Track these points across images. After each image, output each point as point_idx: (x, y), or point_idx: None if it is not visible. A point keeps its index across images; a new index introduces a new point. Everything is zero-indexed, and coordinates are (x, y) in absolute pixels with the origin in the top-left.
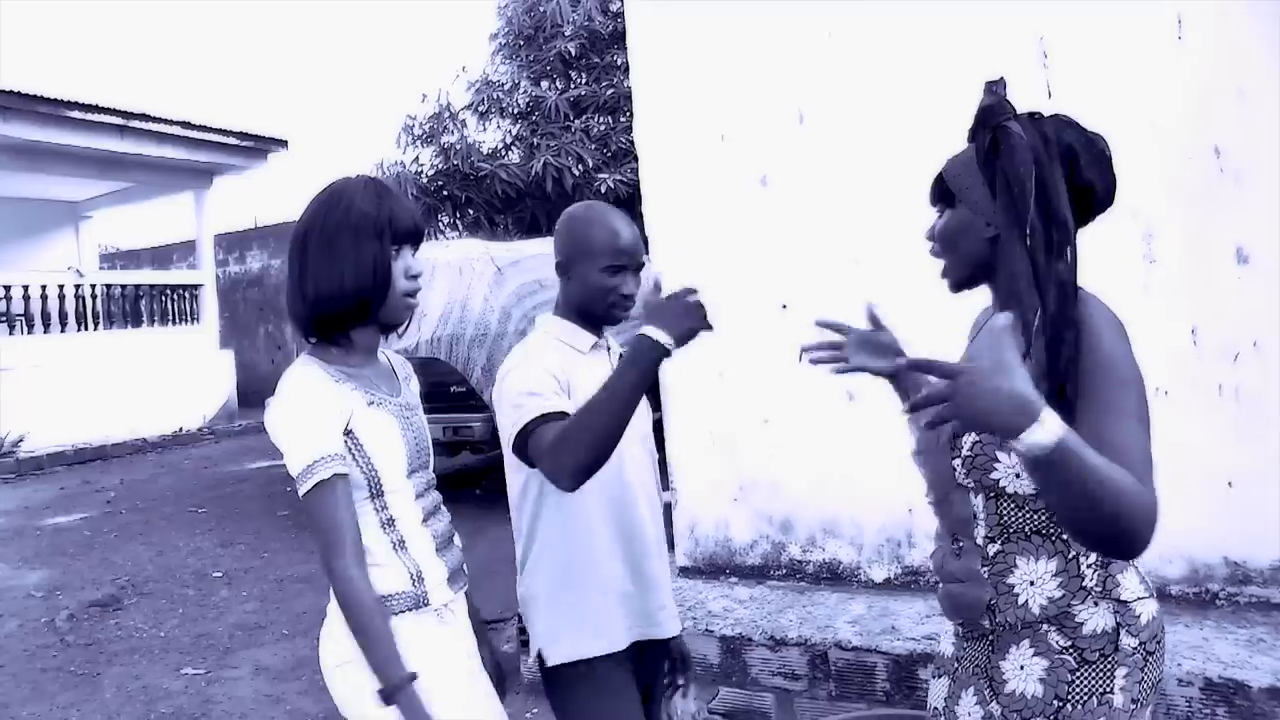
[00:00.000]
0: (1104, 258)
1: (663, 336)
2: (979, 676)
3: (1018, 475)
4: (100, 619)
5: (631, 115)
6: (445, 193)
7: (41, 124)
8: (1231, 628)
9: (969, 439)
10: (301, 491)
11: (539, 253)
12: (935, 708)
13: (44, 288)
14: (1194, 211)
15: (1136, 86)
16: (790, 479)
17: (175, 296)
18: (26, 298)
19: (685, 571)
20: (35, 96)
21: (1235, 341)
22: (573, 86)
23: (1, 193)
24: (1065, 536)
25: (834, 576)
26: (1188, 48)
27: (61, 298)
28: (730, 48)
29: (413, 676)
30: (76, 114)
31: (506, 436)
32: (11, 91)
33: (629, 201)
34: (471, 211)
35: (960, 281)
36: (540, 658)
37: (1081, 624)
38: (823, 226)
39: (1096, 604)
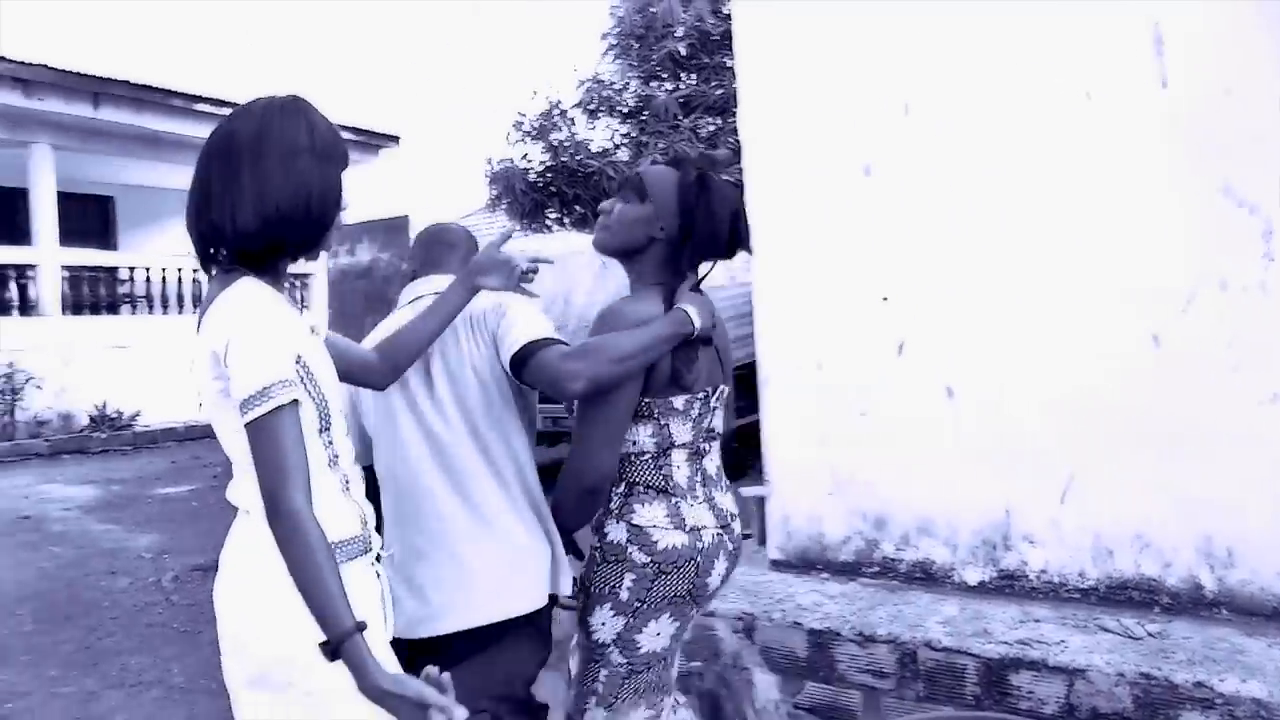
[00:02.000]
0: (1220, 256)
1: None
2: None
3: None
4: (202, 582)
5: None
6: (553, 189)
7: (172, 116)
8: None
9: None
10: (251, 417)
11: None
12: None
13: (164, 270)
14: None
15: (1254, 75)
16: (886, 474)
17: (288, 284)
18: (148, 280)
19: (776, 565)
20: (170, 91)
21: None
22: (682, 86)
23: (130, 181)
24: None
25: (927, 576)
26: None
27: (180, 281)
28: (835, 38)
29: (362, 626)
30: (204, 107)
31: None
32: (147, 85)
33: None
34: (579, 208)
35: (610, 251)
36: None
37: (606, 534)
38: (926, 217)
39: (616, 522)
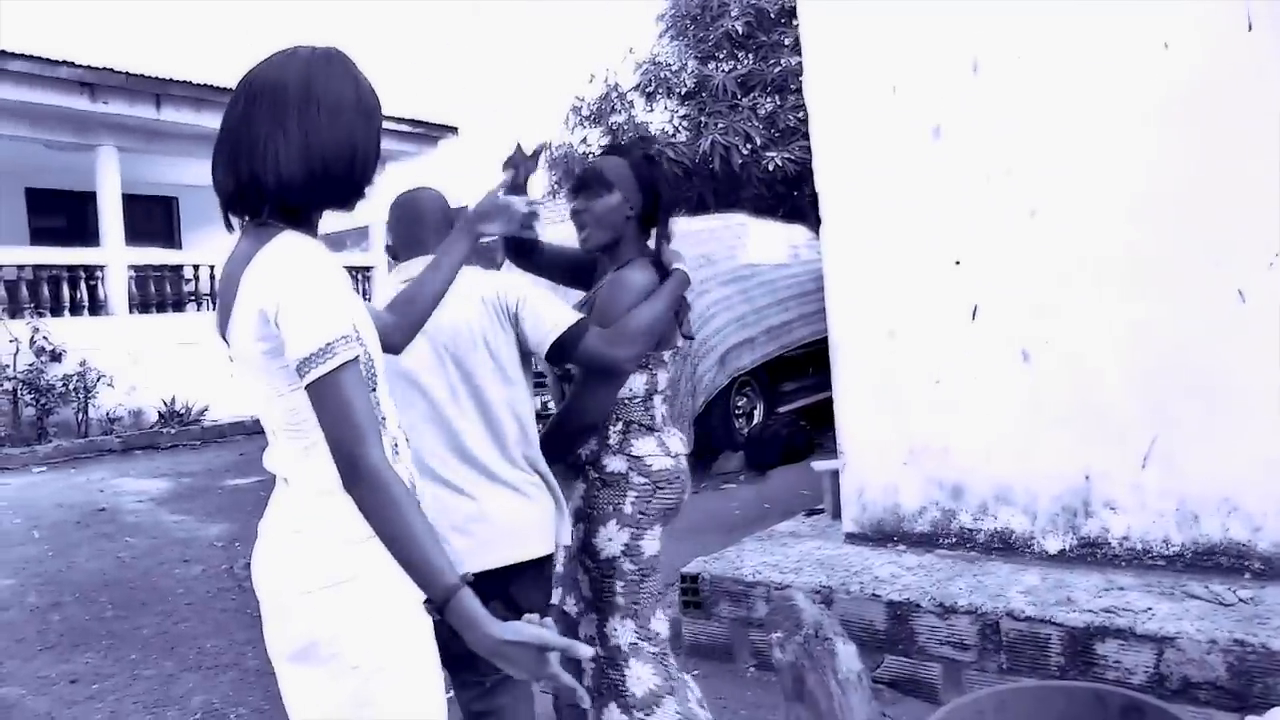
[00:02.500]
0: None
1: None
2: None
3: None
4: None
5: (799, 93)
6: None
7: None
8: None
9: None
10: (315, 375)
11: (704, 229)
12: None
13: None
14: None
15: None
16: (962, 443)
17: (350, 278)
18: (212, 277)
19: (851, 538)
20: (229, 90)
21: None
22: (739, 65)
23: (192, 181)
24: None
25: (1005, 546)
26: None
27: None
28: None
29: (466, 579)
30: None
31: None
32: (208, 85)
33: (797, 180)
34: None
35: (603, 245)
36: None
37: (606, 465)
38: (997, 179)
39: (615, 454)
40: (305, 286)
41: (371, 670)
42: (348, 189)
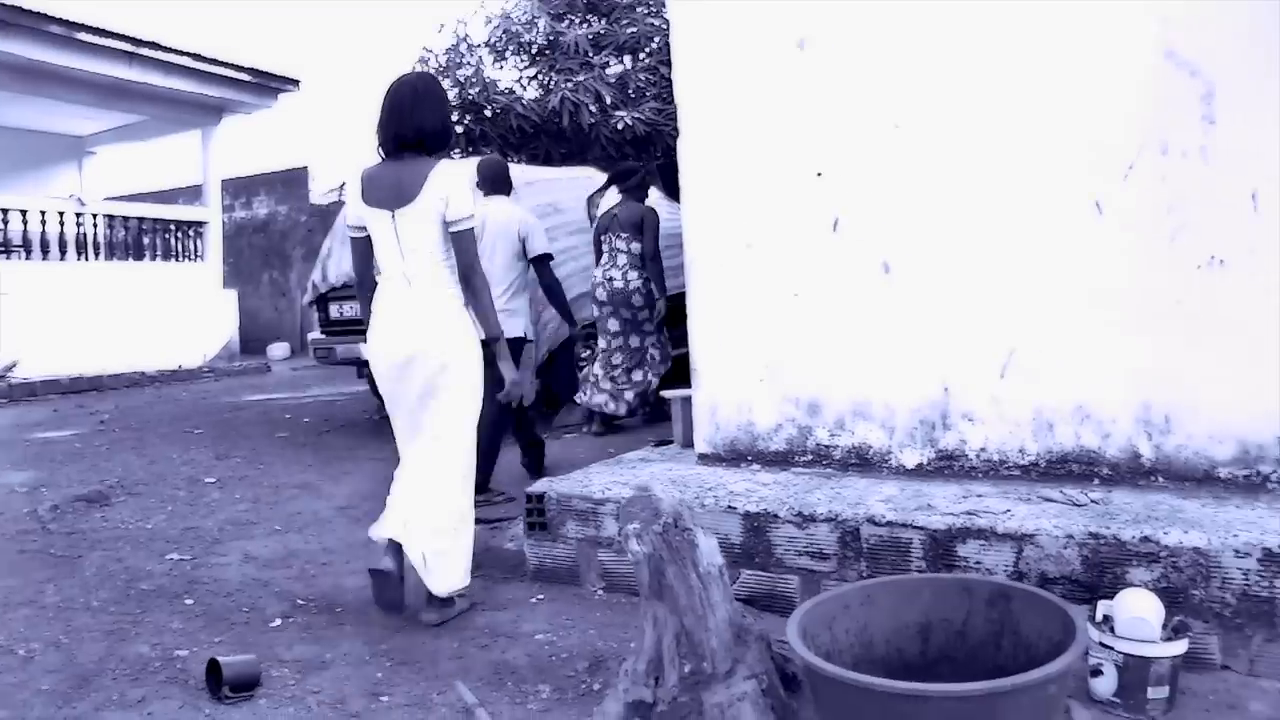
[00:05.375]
0: (1161, 120)
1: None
2: None
3: None
4: (85, 513)
5: (652, 56)
6: (460, 126)
7: (50, 45)
8: None
9: None
10: (462, 227)
11: (555, 177)
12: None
13: (43, 214)
14: (1257, 69)
15: None
16: (819, 358)
17: (180, 233)
18: (25, 224)
19: (704, 458)
20: (46, 15)
21: None
22: (592, 26)
23: (4, 121)
24: None
25: (863, 462)
26: None
27: (62, 226)
28: None
29: (500, 334)
30: (85, 36)
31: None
32: (21, 8)
33: (646, 141)
34: (485, 147)
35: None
36: None
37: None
38: (862, 90)
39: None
40: (461, 187)
41: (463, 367)
42: (447, 139)
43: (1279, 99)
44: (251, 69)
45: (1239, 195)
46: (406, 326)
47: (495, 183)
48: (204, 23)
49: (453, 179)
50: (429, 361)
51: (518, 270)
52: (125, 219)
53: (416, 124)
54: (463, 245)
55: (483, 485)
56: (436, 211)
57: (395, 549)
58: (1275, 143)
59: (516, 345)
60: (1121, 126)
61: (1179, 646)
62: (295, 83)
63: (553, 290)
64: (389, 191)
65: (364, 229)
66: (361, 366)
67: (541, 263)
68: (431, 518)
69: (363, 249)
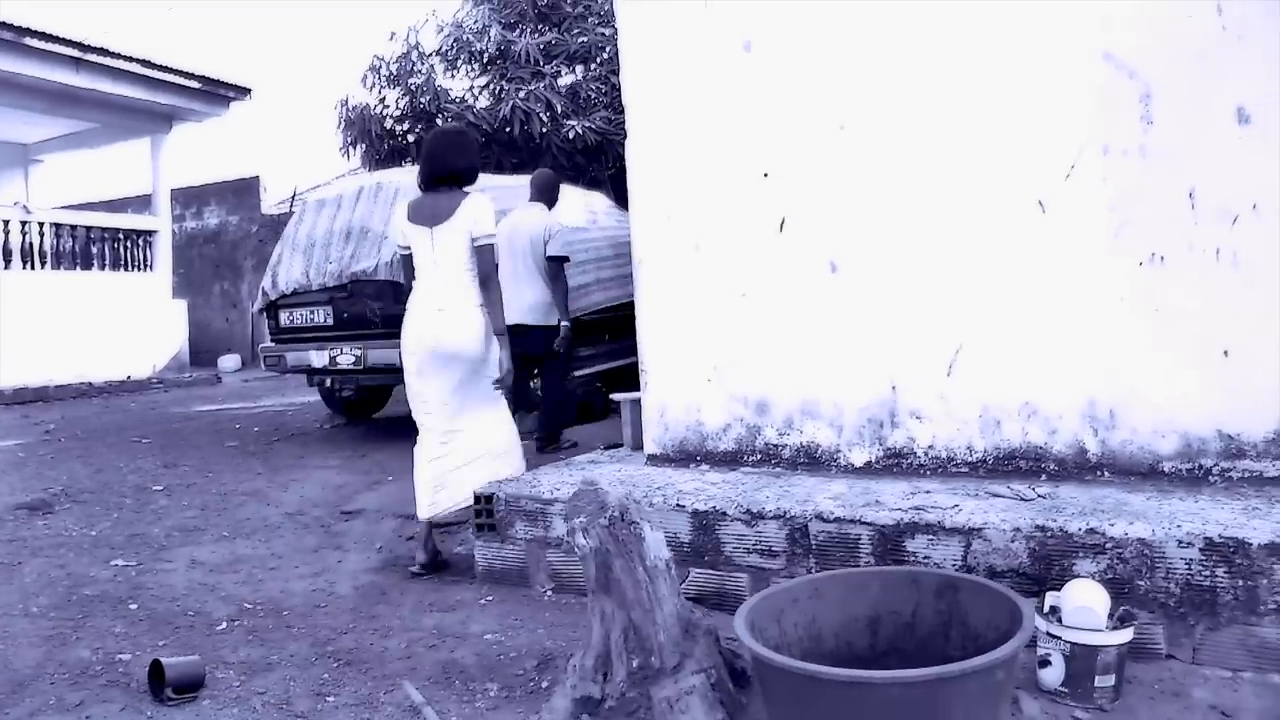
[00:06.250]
0: (1102, 121)
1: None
2: None
3: None
4: (27, 520)
5: (603, 65)
6: (411, 135)
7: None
8: (1226, 500)
9: None
10: (486, 242)
11: (504, 185)
12: None
13: None
14: (1193, 70)
15: None
16: (768, 358)
17: (129, 242)
18: None
19: (654, 459)
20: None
21: (1234, 204)
22: (544, 35)
23: None
24: None
25: (811, 461)
26: None
27: (6, 234)
28: None
29: (505, 329)
30: (32, 42)
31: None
32: None
33: (597, 151)
34: None
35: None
36: None
37: None
38: (808, 91)
39: None
40: (487, 213)
41: (476, 359)
42: (475, 176)
43: (1213, 99)
44: (202, 76)
45: (1177, 193)
46: (436, 321)
47: (543, 191)
48: (155, 29)
49: (481, 206)
50: (454, 348)
51: (539, 269)
52: (73, 228)
53: (451, 166)
54: (484, 257)
55: (554, 437)
56: (466, 230)
57: (425, 536)
58: (1211, 142)
59: (554, 331)
60: (1063, 127)
61: (1125, 635)
62: (247, 91)
63: (556, 287)
64: (429, 213)
65: (409, 248)
66: (312, 375)
67: (553, 262)
68: (492, 445)
69: (408, 263)
